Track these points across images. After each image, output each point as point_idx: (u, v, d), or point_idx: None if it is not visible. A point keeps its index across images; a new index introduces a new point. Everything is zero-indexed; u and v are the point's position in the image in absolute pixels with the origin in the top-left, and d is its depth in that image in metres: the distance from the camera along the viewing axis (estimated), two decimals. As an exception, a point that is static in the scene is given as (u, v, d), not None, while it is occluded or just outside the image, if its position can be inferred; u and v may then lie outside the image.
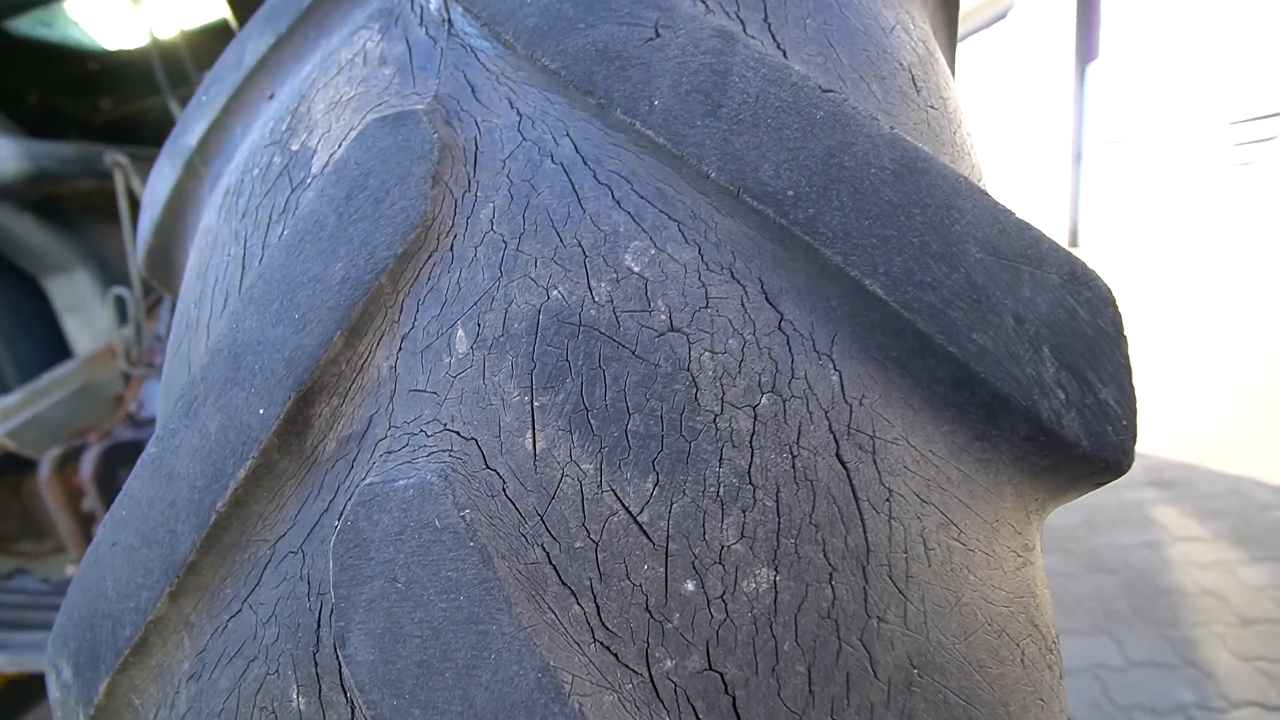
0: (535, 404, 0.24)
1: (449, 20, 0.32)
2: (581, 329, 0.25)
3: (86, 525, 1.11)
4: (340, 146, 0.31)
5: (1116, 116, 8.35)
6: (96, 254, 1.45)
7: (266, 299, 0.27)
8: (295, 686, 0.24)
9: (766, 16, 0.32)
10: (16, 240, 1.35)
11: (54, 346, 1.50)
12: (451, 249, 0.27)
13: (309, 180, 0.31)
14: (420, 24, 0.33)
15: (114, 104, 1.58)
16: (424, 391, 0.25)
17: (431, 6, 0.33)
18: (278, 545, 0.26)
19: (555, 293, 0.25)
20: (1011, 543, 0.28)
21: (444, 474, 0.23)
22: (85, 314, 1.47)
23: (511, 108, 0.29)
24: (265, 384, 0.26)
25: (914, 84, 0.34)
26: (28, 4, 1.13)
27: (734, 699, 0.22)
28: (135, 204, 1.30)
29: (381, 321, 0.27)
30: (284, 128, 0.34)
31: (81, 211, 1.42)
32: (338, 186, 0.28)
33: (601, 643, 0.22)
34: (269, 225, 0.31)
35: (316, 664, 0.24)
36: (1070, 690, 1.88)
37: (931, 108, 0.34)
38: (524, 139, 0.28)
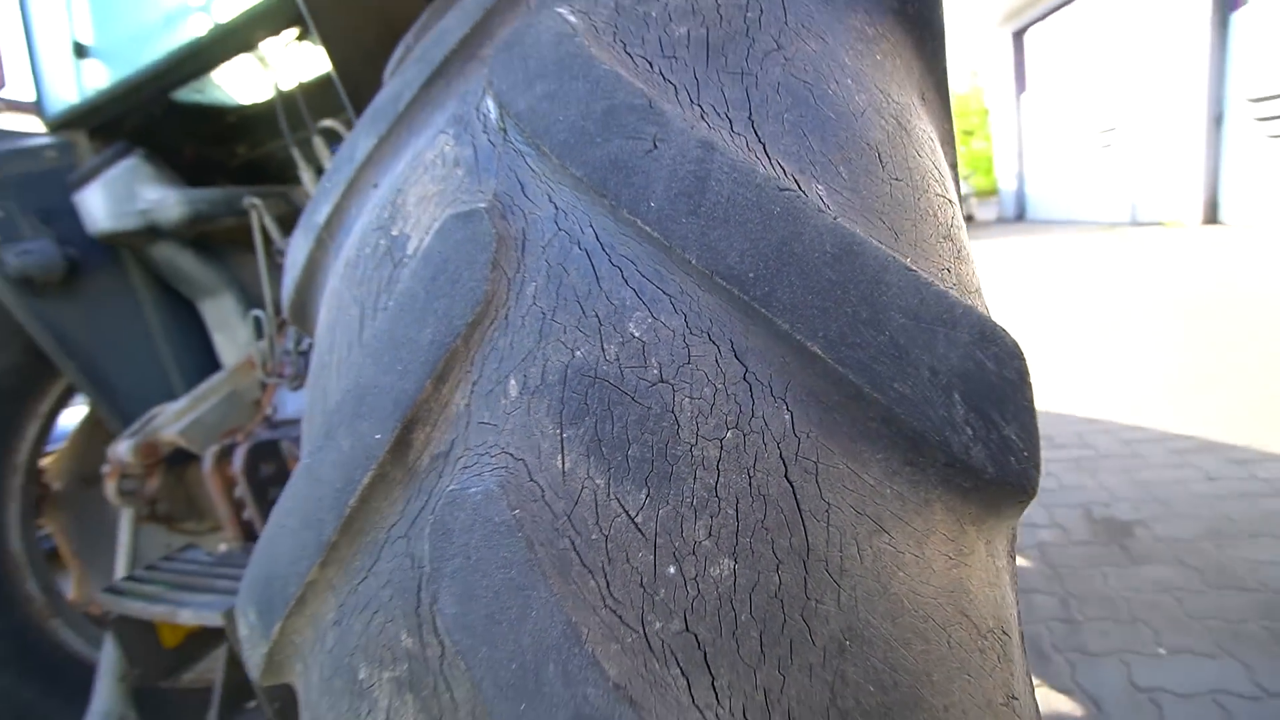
0: (564, 435, 0.33)
1: (504, 129, 0.41)
2: (597, 380, 0.33)
3: (238, 510, 1.33)
4: (427, 235, 0.40)
5: (1264, 71, 7.30)
6: (238, 280, 1.71)
7: (379, 353, 0.38)
8: (404, 631, 0.34)
9: (750, 114, 0.38)
10: (179, 271, 1.62)
11: (207, 359, 1.78)
12: (506, 318, 0.36)
13: (405, 260, 0.41)
14: (484, 130, 0.43)
15: (248, 148, 1.84)
16: (488, 424, 0.35)
17: (491, 117, 0.42)
18: (390, 531, 0.36)
19: (579, 353, 0.34)
20: (943, 548, 0.33)
21: (501, 484, 0.32)
22: (230, 331, 1.73)
23: (550, 202, 0.38)
24: (380, 416, 0.36)
25: (879, 160, 0.39)
26: (188, 77, 1.37)
27: (704, 653, 0.29)
28: (267, 237, 1.53)
29: (459, 372, 0.36)
30: (387, 215, 0.44)
31: (225, 244, 1.68)
32: (425, 269, 0.38)
33: (609, 608, 0.30)
34: (378, 294, 0.42)
35: (418, 616, 0.34)
36: (1186, 714, 1.74)
37: (896, 179, 0.39)
38: (559, 229, 0.37)
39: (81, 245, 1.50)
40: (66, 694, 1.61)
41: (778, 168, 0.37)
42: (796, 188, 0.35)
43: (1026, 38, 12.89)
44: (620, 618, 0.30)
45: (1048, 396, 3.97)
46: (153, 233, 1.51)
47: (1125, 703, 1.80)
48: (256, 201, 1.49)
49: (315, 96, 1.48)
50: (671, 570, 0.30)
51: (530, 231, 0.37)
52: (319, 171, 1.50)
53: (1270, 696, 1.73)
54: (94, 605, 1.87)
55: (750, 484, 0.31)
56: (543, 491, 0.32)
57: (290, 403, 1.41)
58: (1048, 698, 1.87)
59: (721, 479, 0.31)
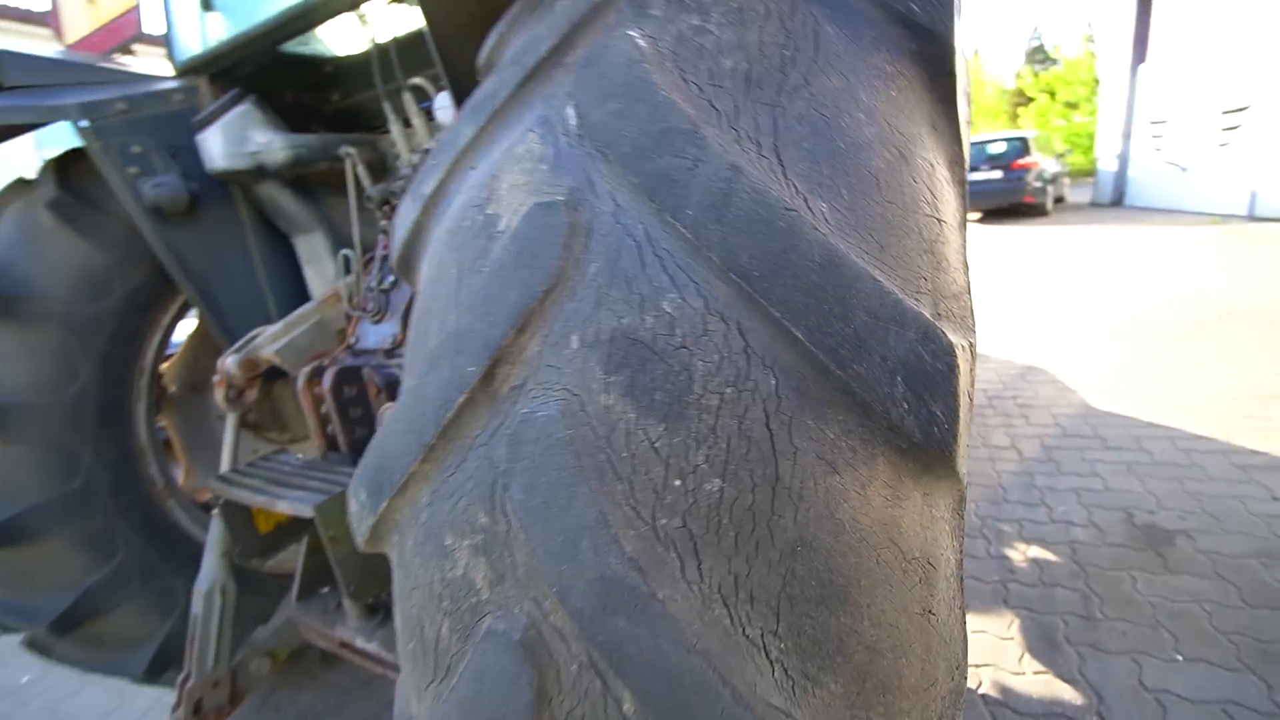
0: (608, 380, 0.43)
1: (581, 135, 0.51)
2: (636, 342, 0.43)
3: (324, 424, 1.53)
4: (515, 217, 0.51)
5: None
6: (328, 219, 1.88)
7: (474, 306, 0.49)
8: (481, 511, 0.46)
9: (776, 140, 0.46)
10: (279, 208, 1.81)
11: (298, 289, 1.99)
12: (572, 289, 0.46)
13: (497, 235, 0.52)
14: (564, 134, 0.52)
15: (340, 97, 1.99)
16: (553, 366, 0.46)
17: (571, 123, 0.52)
18: (475, 440, 0.48)
19: (624, 320, 0.44)
20: (882, 491, 0.42)
21: (561, 411, 0.44)
22: (319, 265, 1.92)
23: (612, 200, 0.47)
24: (474, 354, 0.48)
25: (877, 186, 0.47)
26: (297, 31, 1.51)
27: (694, 544, 0.40)
28: (358, 183, 1.68)
29: (534, 326, 0.47)
30: (484, 196, 0.55)
31: (319, 186, 1.84)
32: (513, 245, 0.49)
33: (630, 505, 0.41)
34: (474, 260, 0.53)
35: (492, 501, 0.46)
36: (1191, 718, 1.77)
37: (889, 202, 0.46)
38: (617, 223, 0.46)
39: (201, 181, 1.69)
40: (177, 564, 1.92)
41: (791, 187, 0.45)
42: (803, 206, 0.44)
43: (1155, 2, 11.55)
44: (637, 513, 0.41)
45: (1110, 397, 3.83)
46: (260, 173, 1.69)
47: (1129, 700, 1.84)
48: (351, 151, 1.64)
49: (406, 52, 1.59)
50: (677, 483, 0.41)
51: (595, 223, 0.47)
52: (406, 123, 1.62)
53: (1282, 714, 1.74)
54: (199, 492, 2.18)
55: (739, 427, 0.41)
56: (589, 419, 0.43)
57: (371, 334, 1.58)
58: (1050, 685, 1.93)
59: (719, 422, 0.42)
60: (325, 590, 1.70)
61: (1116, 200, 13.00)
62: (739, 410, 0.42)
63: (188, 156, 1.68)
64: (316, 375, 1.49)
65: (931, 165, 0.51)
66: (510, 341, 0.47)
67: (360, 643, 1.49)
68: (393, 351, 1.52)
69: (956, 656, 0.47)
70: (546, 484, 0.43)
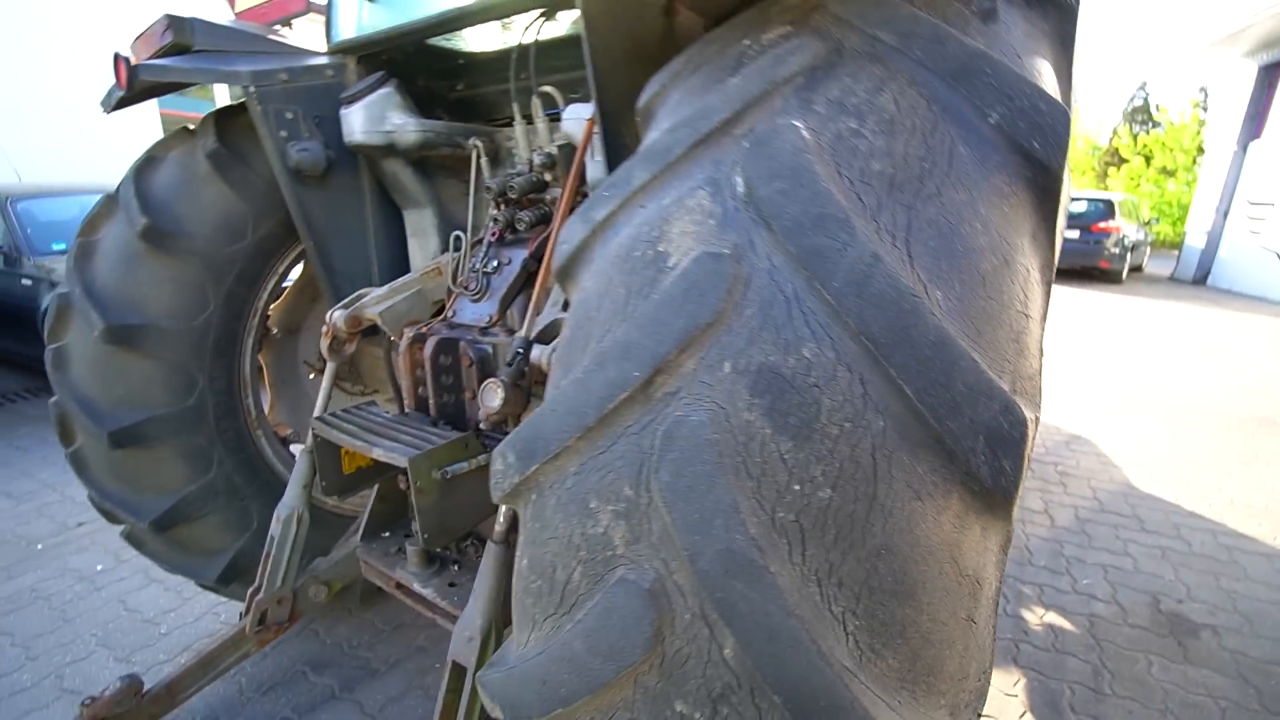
0: (752, 401, 0.55)
1: (748, 202, 0.62)
2: (778, 375, 0.55)
3: (416, 385, 1.69)
4: (685, 259, 0.63)
5: None
6: (439, 198, 2.05)
7: (643, 324, 0.62)
8: (627, 485, 0.59)
9: (909, 237, 0.57)
10: (399, 183, 1.99)
11: (401, 258, 2.16)
12: (729, 326, 0.58)
13: (666, 270, 0.64)
14: (731, 198, 0.64)
15: (464, 87, 2.16)
16: (706, 383, 0.58)
17: (739, 190, 0.64)
18: (628, 429, 0.61)
19: (771, 358, 0.55)
20: (952, 520, 0.53)
21: (709, 418, 0.56)
22: (423, 239, 2.10)
23: (769, 261, 0.59)
24: (639, 362, 0.60)
25: (983, 285, 0.57)
26: (449, 30, 1.68)
27: (802, 536, 0.52)
28: (479, 171, 1.84)
29: (694, 349, 0.59)
30: (656, 234, 0.67)
31: (437, 168, 2.02)
32: (683, 281, 0.61)
33: (756, 499, 0.53)
34: (643, 285, 0.65)
35: (638, 478, 0.58)
36: None
37: (989, 299, 0.57)
38: (771, 280, 0.58)
39: (337, 149, 1.88)
40: (257, 488, 2.12)
41: (917, 276, 0.56)
42: (925, 293, 0.55)
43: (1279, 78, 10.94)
44: (761, 506, 0.53)
45: (1155, 479, 3.76)
46: (390, 150, 1.87)
47: (1127, 778, 1.87)
48: (478, 142, 1.80)
49: (540, 57, 1.74)
50: (796, 487, 0.53)
51: (754, 277, 0.59)
52: (528, 120, 1.76)
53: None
54: (280, 426, 2.38)
55: (851, 453, 0.53)
56: (732, 429, 0.55)
57: (468, 310, 1.73)
58: (1050, 747, 1.97)
59: (836, 446, 0.53)
60: (386, 535, 1.88)
61: (1200, 279, 12.43)
62: (853, 440, 0.53)
63: (329, 126, 1.87)
64: (419, 341, 1.65)
65: (1028, 270, 0.61)
66: (672, 358, 0.59)
67: (417, 586, 1.65)
68: (487, 329, 1.67)
69: (985, 662, 0.57)
70: (691, 472, 0.55)
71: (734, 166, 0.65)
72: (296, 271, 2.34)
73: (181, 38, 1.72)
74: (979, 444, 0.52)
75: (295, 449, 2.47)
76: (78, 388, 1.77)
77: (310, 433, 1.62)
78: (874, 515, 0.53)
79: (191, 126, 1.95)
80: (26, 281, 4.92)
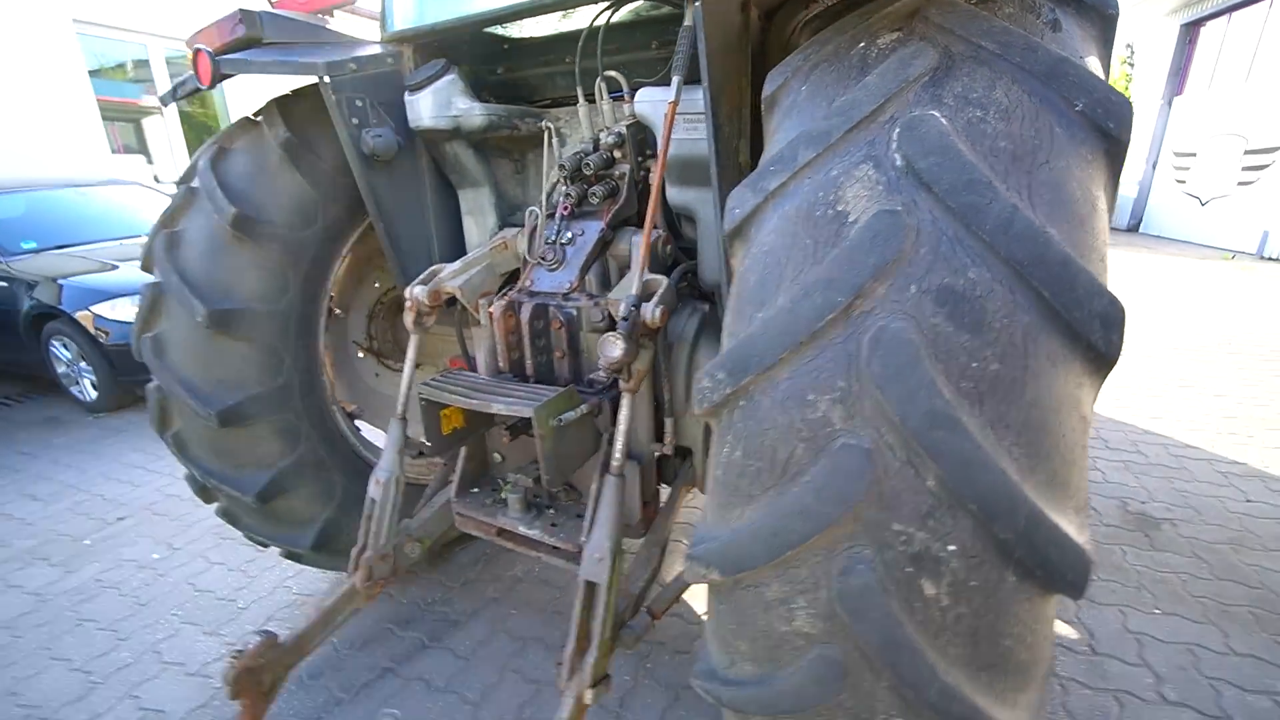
0: (934, 310, 0.77)
1: (909, 172, 0.84)
2: (953, 291, 0.77)
3: (510, 349, 1.86)
4: (864, 215, 0.84)
5: None
6: (495, 178, 2.19)
7: (839, 264, 0.83)
8: (839, 378, 0.81)
9: (1030, 194, 0.80)
10: (460, 164, 2.11)
11: (457, 235, 2.30)
12: (909, 260, 0.80)
13: (849, 224, 0.86)
14: (893, 168, 0.85)
15: (505, 71, 2.28)
16: (895, 302, 0.79)
17: (899, 163, 0.86)
18: (832, 339, 0.83)
19: (945, 279, 0.77)
20: (1075, 380, 0.78)
21: (905, 324, 0.78)
22: (481, 217, 2.23)
23: (931, 215, 0.81)
24: (840, 290, 0.81)
25: (1082, 224, 0.81)
26: (507, 20, 1.80)
27: (981, 396, 0.77)
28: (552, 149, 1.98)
29: (882, 278, 0.80)
30: (831, 197, 0.88)
31: (493, 149, 2.15)
32: (868, 231, 0.82)
33: (946, 375, 0.77)
34: (830, 236, 0.86)
35: (849, 371, 0.80)
36: (1159, 657, 2.18)
37: (1087, 232, 0.80)
38: (935, 227, 0.80)
39: (402, 134, 1.99)
40: (338, 460, 2.26)
41: (1041, 219, 0.79)
42: (1048, 230, 0.78)
43: (1201, 34, 11.66)
44: (949, 379, 0.76)
45: (1114, 407, 4.23)
46: (454, 133, 1.99)
47: (1115, 639, 2.25)
48: (549, 124, 1.94)
49: (591, 42, 1.88)
50: (974, 365, 0.76)
51: (922, 226, 0.81)
52: (591, 101, 1.91)
53: (1235, 655, 2.16)
54: (343, 402, 2.51)
55: (1009, 338, 0.76)
56: (923, 329, 0.78)
57: (546, 280, 1.90)
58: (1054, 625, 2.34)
59: (999, 335, 0.76)
60: (476, 490, 2.06)
61: (1134, 226, 13.31)
62: (1009, 330, 0.77)
63: (391, 111, 1.98)
64: (511, 308, 1.82)
65: (1104, 212, 0.86)
66: (867, 286, 0.81)
67: (522, 529, 1.85)
68: (568, 295, 1.84)
69: (1086, 478, 0.83)
70: (897, 362, 0.78)
71: (890, 146, 0.87)
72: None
73: (253, 31, 1.79)
74: (1096, 326, 0.76)
75: (361, 423, 2.61)
76: (180, 372, 1.87)
77: (418, 397, 1.78)
78: (1027, 379, 0.77)
79: (254, 116, 2.02)
80: (2, 284, 4.73)
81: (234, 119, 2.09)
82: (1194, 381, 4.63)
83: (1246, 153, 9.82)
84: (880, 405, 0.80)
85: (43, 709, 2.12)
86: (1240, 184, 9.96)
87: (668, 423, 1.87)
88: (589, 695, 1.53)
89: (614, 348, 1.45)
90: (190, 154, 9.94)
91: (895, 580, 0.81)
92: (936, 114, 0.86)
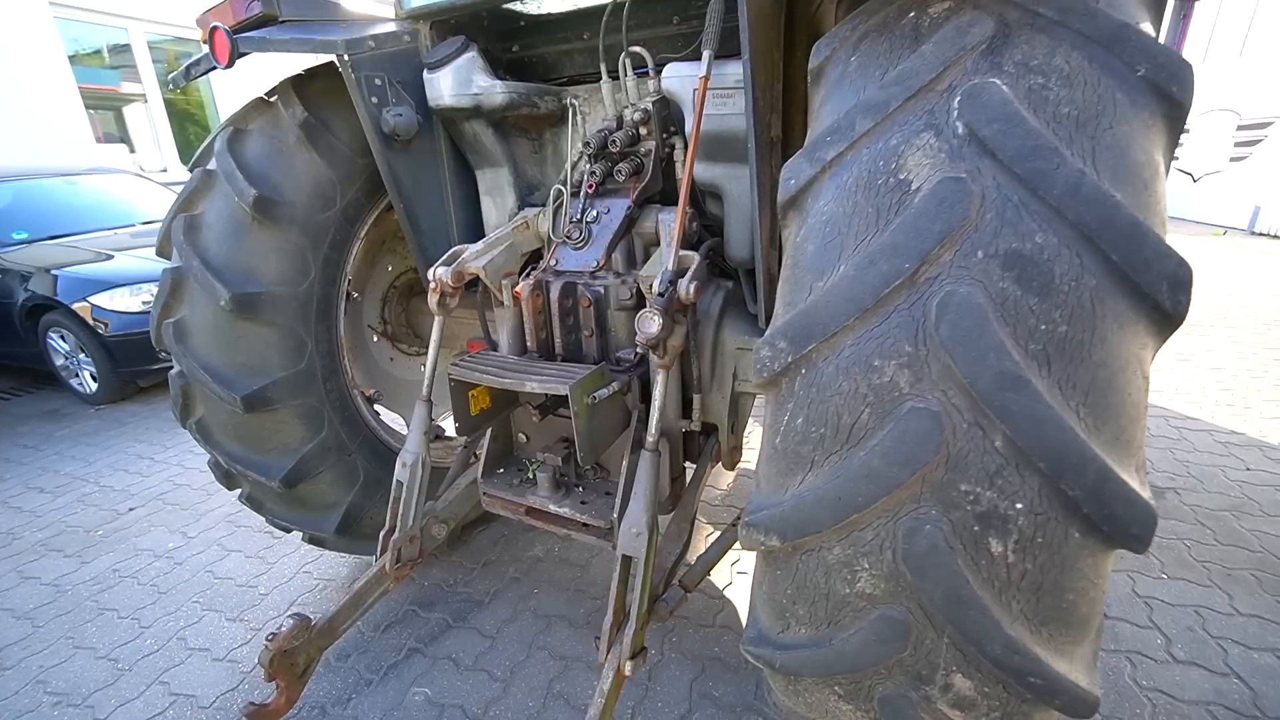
0: (1004, 274, 0.78)
1: (971, 140, 0.84)
2: (1021, 256, 0.78)
3: (539, 328, 1.86)
4: (928, 183, 0.85)
5: None
6: (514, 156, 2.17)
7: (905, 230, 0.83)
8: (906, 343, 0.82)
9: (1094, 159, 0.80)
10: (479, 144, 2.09)
11: (475, 216, 2.28)
12: (976, 226, 0.81)
13: (911, 191, 0.86)
14: (954, 136, 0.85)
15: (520, 48, 2.25)
16: (963, 268, 0.80)
17: (960, 131, 0.86)
18: (897, 307, 0.84)
19: (1012, 244, 0.78)
20: (1139, 340, 0.80)
21: (972, 288, 0.79)
22: (499, 196, 2.21)
23: (995, 180, 0.82)
24: (907, 257, 0.82)
25: (1145, 187, 0.81)
26: None
27: (1049, 358, 0.78)
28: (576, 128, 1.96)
29: (949, 244, 0.81)
30: (893, 165, 0.89)
31: (511, 128, 2.13)
32: (933, 198, 0.83)
33: (1014, 339, 0.79)
34: (893, 204, 0.87)
35: (916, 336, 0.82)
36: (1167, 620, 2.24)
37: (1150, 195, 0.80)
38: (1000, 194, 0.81)
39: (421, 113, 1.97)
40: (359, 444, 2.26)
41: (1105, 183, 0.79)
42: (1114, 194, 0.79)
43: (1195, 9, 11.62)
44: (1018, 341, 0.78)
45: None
46: (475, 112, 1.97)
47: (1125, 602, 2.32)
48: (574, 101, 1.92)
49: (615, 18, 1.86)
50: (1043, 327, 0.77)
51: (986, 192, 0.82)
52: (614, 77, 1.89)
53: (1240, 615, 2.23)
54: (362, 386, 2.50)
55: (1077, 301, 0.77)
56: (991, 294, 0.79)
57: (572, 258, 1.90)
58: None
59: (1067, 298, 0.77)
60: (501, 471, 2.07)
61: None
62: (1077, 293, 0.78)
63: (410, 90, 1.95)
64: (539, 288, 1.82)
65: (1164, 175, 0.87)
66: (933, 253, 0.82)
67: (553, 507, 1.86)
68: (595, 274, 1.84)
69: (1144, 437, 0.85)
70: (966, 326, 0.80)
71: (950, 114, 0.87)
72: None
73: (269, 8, 1.76)
74: (1164, 287, 0.77)
75: (378, 407, 2.60)
76: (203, 358, 1.86)
77: (448, 378, 1.77)
78: (1094, 340, 0.78)
79: (269, 97, 1.98)
80: (-6, 275, 4.64)
81: (220, 107, 2.04)
82: (1191, 355, 4.71)
83: (1239, 128, 9.88)
84: (949, 368, 0.81)
85: (72, 696, 2.13)
86: (1232, 159, 10.04)
87: (696, 399, 1.89)
88: (628, 667, 1.55)
89: (651, 323, 1.45)
90: (176, 143, 9.72)
91: (962, 539, 0.84)
92: (997, 81, 0.86)
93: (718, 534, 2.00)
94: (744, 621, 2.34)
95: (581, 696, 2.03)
